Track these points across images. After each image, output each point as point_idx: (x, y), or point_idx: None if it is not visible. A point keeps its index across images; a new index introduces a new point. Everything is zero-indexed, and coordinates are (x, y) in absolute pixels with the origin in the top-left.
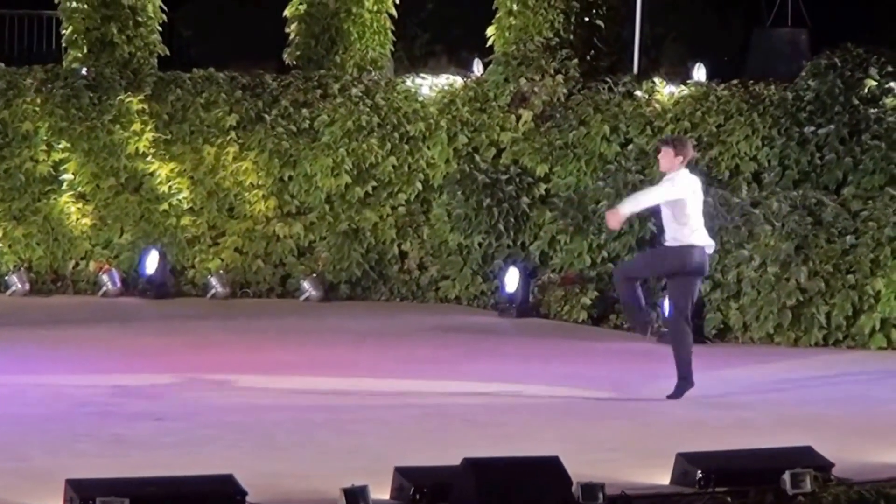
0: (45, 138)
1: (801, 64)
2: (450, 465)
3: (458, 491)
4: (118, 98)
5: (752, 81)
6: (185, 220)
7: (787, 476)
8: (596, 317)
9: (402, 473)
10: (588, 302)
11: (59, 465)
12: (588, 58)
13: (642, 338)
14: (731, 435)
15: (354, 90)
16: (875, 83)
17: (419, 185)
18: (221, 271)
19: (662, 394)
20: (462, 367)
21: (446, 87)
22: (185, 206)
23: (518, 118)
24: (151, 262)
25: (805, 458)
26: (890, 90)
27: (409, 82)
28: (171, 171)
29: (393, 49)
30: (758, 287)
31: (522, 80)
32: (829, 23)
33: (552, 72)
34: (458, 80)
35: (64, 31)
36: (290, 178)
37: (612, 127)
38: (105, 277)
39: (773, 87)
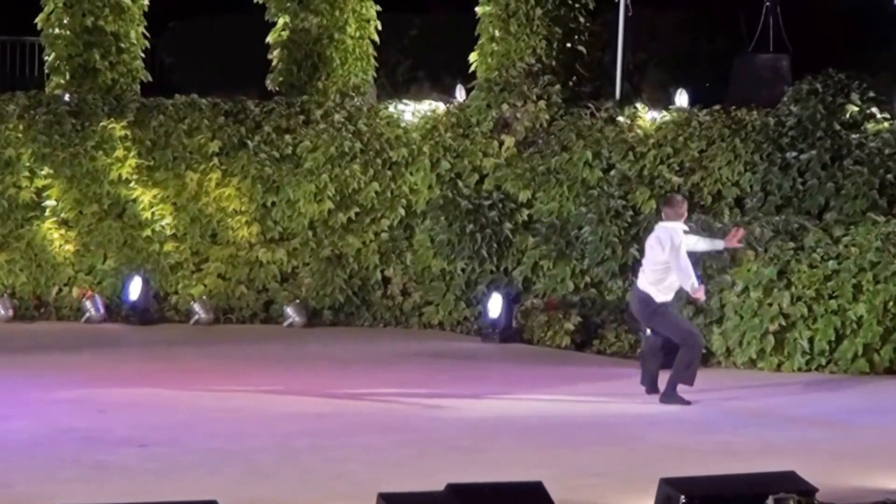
0: (27, 164)
1: (783, 89)
2: (434, 490)
3: None
4: (101, 124)
5: (734, 107)
6: (169, 246)
7: (770, 501)
8: (579, 342)
9: (386, 499)
10: (571, 327)
11: (43, 492)
12: (570, 83)
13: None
14: (714, 460)
15: (337, 116)
16: (857, 108)
17: (402, 211)
18: (205, 297)
19: (645, 419)
20: (445, 393)
21: (429, 113)
22: (169, 232)
23: (501, 144)
24: (135, 289)
25: (788, 482)
26: (871, 115)
27: (391, 108)
28: (154, 197)
29: (375, 75)
30: (740, 312)
31: (505, 106)
32: (810, 48)
33: (534, 97)
34: (441, 106)
35: (46, 58)
36: (273, 203)
37: (594, 152)
38: (88, 304)
39: (755, 112)
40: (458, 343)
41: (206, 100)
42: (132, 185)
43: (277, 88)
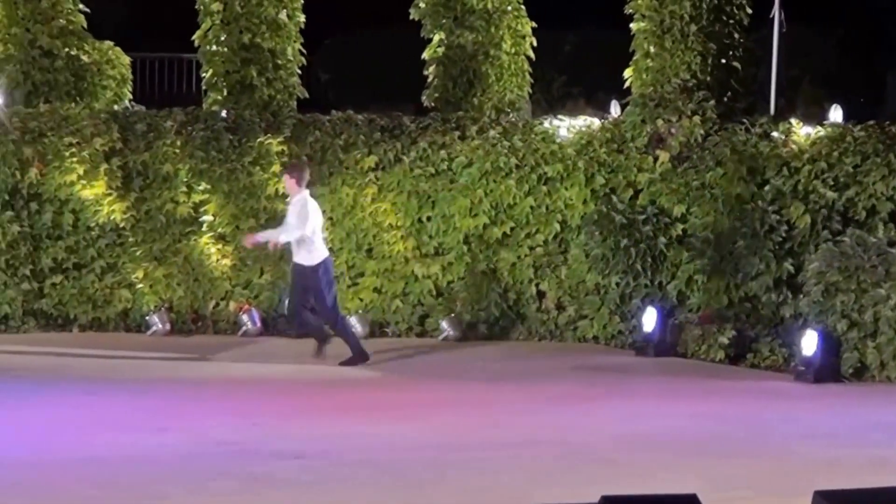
0: (185, 180)
1: None
2: (587, 503)
3: None
4: (258, 140)
5: (888, 122)
6: None
7: None
8: (733, 356)
9: None
10: (725, 341)
11: None
12: (725, 99)
13: (779, 377)
14: (867, 473)
15: (492, 132)
16: None
17: (557, 226)
18: (360, 311)
19: (797, 431)
20: (599, 406)
21: (584, 129)
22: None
23: (655, 159)
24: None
25: None
26: None
27: (546, 124)
28: None
29: (530, 91)
30: (895, 326)
31: (659, 122)
32: None
33: (689, 113)
34: (596, 122)
35: (204, 74)
36: (429, 218)
37: (748, 168)
38: (245, 317)
39: None
40: (612, 357)
41: (361, 116)
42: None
43: (433, 104)
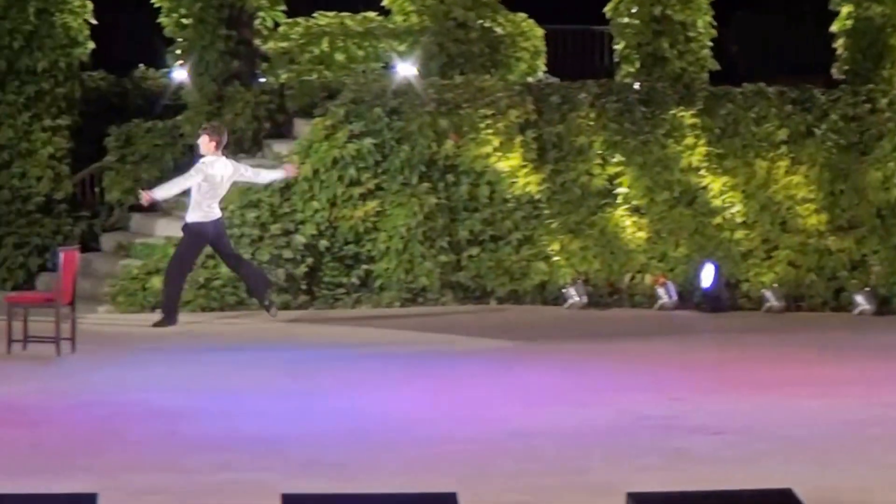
0: (599, 152)
1: None
2: None
3: None
4: (671, 112)
5: None
6: (739, 234)
7: None
8: None
9: None
10: None
11: (618, 479)
12: None
13: None
14: None
15: None
16: None
17: None
18: (775, 285)
19: None
20: None
21: None
22: (739, 220)
23: None
24: (707, 276)
25: None
26: None
27: None
28: (724, 184)
29: None
30: None
31: None
32: None
33: None
34: None
35: (616, 46)
36: (842, 191)
37: None
38: (661, 290)
39: None
40: None
41: (772, 88)
42: (702, 172)
43: (843, 77)
